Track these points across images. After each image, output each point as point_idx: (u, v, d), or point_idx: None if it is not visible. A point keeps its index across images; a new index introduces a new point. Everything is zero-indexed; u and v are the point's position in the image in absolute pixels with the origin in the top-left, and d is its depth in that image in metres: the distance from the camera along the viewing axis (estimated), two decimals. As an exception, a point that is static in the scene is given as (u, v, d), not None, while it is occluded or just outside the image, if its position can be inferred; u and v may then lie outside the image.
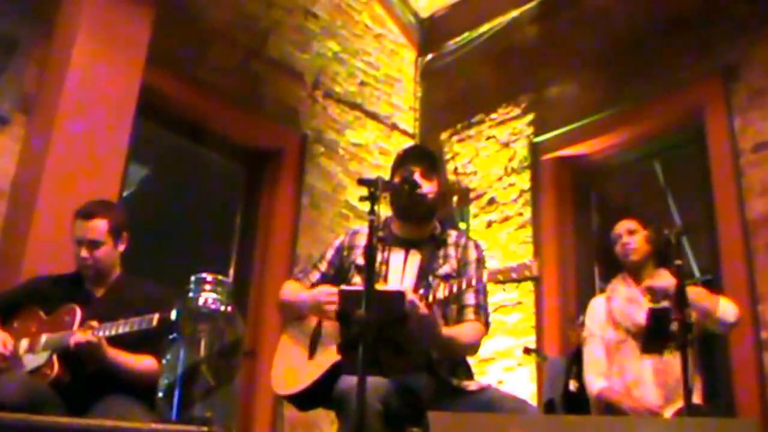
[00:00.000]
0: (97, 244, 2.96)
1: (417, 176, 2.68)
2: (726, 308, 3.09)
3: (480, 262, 2.77)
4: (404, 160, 2.79)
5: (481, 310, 2.69)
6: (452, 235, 2.84)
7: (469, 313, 2.67)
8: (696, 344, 2.78)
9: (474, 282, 2.57)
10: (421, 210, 2.74)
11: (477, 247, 2.83)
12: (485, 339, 2.77)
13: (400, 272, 2.69)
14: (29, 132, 3.87)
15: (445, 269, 2.70)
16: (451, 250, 2.77)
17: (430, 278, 2.65)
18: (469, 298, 2.69)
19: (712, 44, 4.32)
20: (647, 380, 3.13)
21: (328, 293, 2.63)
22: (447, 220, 4.79)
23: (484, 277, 2.48)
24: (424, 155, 2.82)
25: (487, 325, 2.71)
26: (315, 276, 2.85)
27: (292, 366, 2.71)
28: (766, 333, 3.72)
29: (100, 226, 2.96)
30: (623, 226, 3.38)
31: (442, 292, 2.52)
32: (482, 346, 2.77)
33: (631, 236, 3.34)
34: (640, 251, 3.32)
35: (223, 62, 4.79)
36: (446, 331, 2.56)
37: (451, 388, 2.55)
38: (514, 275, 2.40)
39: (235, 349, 1.86)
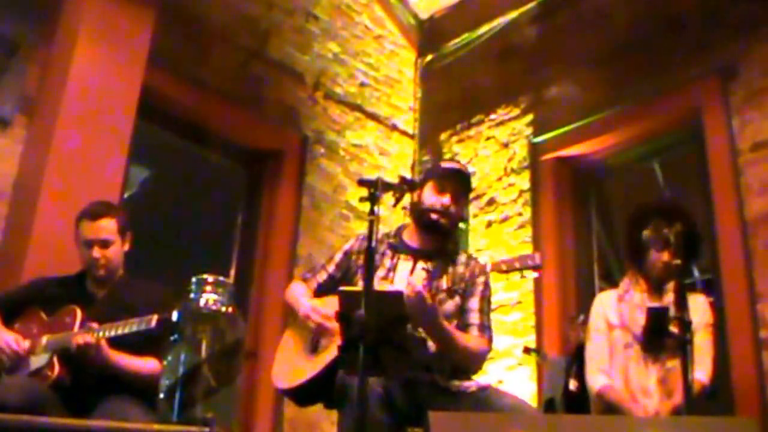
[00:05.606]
0: (108, 243, 2.99)
1: (448, 199, 2.77)
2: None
3: (487, 285, 2.82)
4: (443, 176, 2.84)
5: (485, 329, 2.73)
6: (463, 255, 2.89)
7: (473, 331, 2.71)
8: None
9: (479, 303, 2.70)
10: (444, 230, 2.81)
11: (485, 269, 2.88)
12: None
13: (406, 280, 2.71)
14: (31, 134, 3.88)
15: (451, 286, 2.75)
16: (460, 269, 2.82)
17: (435, 291, 2.70)
18: (474, 318, 2.73)
19: (711, 44, 4.32)
20: (651, 390, 3.08)
21: (323, 315, 2.69)
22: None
23: (490, 298, 2.60)
24: (463, 179, 2.89)
25: (490, 344, 2.75)
26: (322, 276, 2.92)
27: (293, 361, 2.76)
28: (765, 332, 3.72)
29: (109, 225, 3.00)
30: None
31: (446, 305, 2.62)
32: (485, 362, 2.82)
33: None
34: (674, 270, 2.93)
35: (224, 63, 4.80)
36: (448, 326, 2.59)
37: (450, 392, 2.57)
38: (516, 265, 2.44)
39: (236, 349, 1.87)
